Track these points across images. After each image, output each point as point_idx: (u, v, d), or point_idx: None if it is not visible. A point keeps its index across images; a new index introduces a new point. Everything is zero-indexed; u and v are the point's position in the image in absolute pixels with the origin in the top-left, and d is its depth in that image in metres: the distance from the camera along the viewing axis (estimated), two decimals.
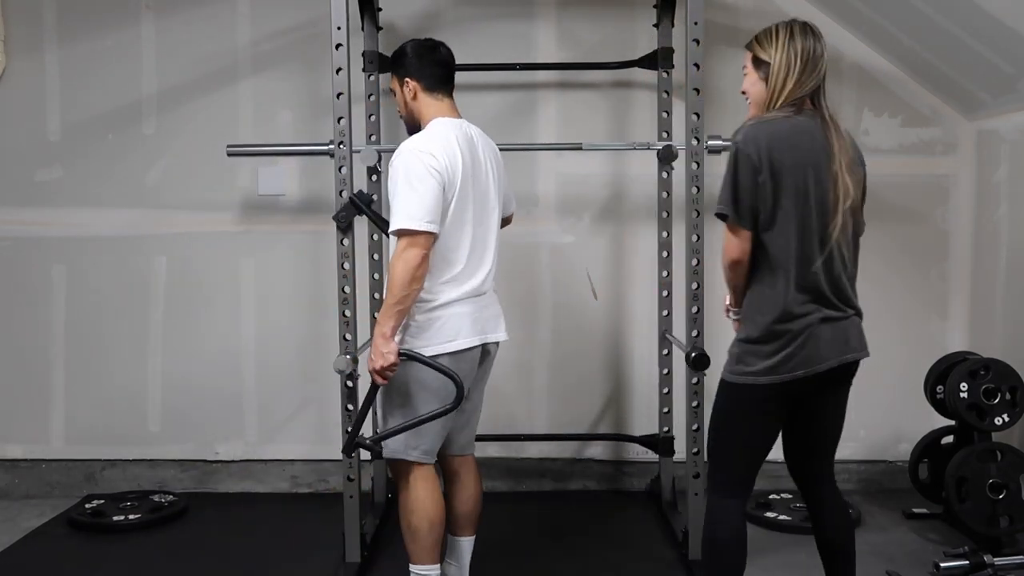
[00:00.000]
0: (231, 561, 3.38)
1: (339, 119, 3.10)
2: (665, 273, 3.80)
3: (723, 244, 2.41)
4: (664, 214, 3.80)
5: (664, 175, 3.78)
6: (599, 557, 3.36)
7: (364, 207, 3.00)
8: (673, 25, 3.76)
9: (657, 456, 3.87)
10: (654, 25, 3.82)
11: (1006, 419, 3.31)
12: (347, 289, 3.15)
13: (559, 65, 4.00)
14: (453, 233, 2.59)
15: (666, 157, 3.55)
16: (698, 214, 3.12)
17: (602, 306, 4.09)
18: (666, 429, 3.83)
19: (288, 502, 4.02)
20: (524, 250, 4.04)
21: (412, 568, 2.71)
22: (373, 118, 3.80)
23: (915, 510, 3.63)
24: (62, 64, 4.02)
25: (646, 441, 3.91)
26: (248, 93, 4.02)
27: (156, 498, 3.91)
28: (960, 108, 3.95)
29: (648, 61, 3.83)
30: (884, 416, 4.07)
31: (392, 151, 2.65)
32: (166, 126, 4.04)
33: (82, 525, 3.68)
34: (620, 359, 4.11)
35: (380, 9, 3.83)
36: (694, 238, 3.13)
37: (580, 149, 3.81)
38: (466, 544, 2.86)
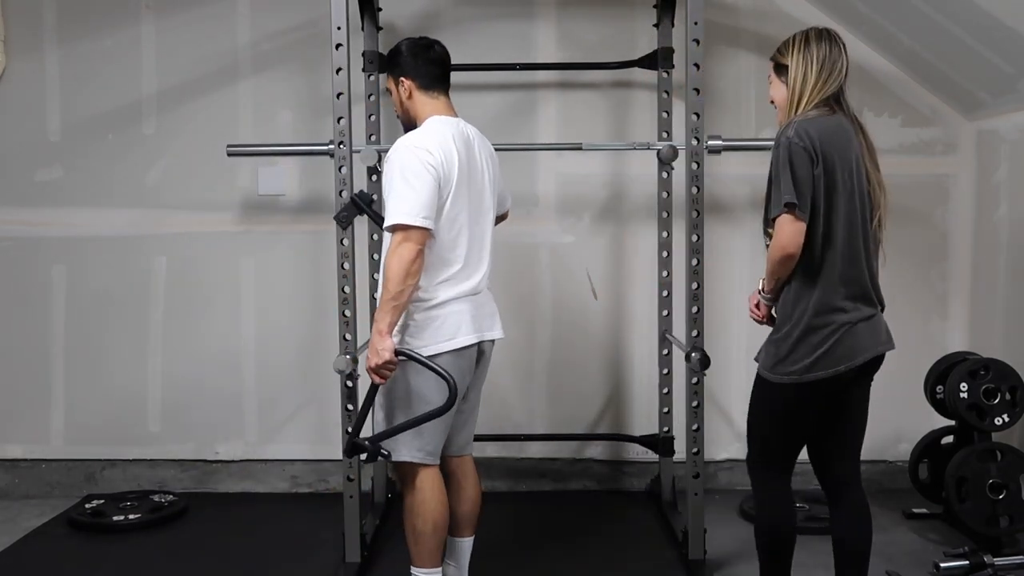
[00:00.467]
0: (231, 561, 3.38)
1: (339, 119, 3.10)
2: (665, 273, 3.80)
3: (777, 238, 2.38)
4: (664, 214, 3.80)
5: (664, 175, 3.78)
6: (599, 557, 3.36)
7: (365, 207, 3.00)
8: (673, 25, 3.76)
9: (657, 456, 3.87)
10: (654, 25, 3.82)
11: (1006, 419, 3.31)
12: (347, 289, 3.15)
13: (559, 65, 4.00)
14: (449, 232, 2.59)
15: (666, 157, 3.55)
16: (698, 214, 3.12)
17: (602, 306, 4.09)
18: (666, 429, 3.83)
19: (288, 502, 4.02)
20: (524, 250, 4.04)
21: (413, 571, 2.70)
22: (373, 118, 3.80)
23: (915, 510, 3.64)
24: (62, 64, 4.02)
25: (646, 441, 3.91)
26: (248, 93, 4.02)
27: (156, 498, 3.90)
28: (960, 108, 3.95)
29: (648, 61, 3.83)
30: (884, 416, 4.02)
31: None
32: (166, 126, 4.04)
33: (82, 525, 3.68)
34: (620, 359, 4.11)
35: (380, 9, 3.83)
36: (694, 238, 3.13)
37: (580, 149, 3.81)
38: (465, 545, 2.86)
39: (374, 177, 3.72)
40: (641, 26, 3.95)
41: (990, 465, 3.27)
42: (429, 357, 2.57)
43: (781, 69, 2.53)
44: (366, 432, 2.70)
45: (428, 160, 2.52)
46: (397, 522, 2.76)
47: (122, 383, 4.08)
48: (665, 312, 3.81)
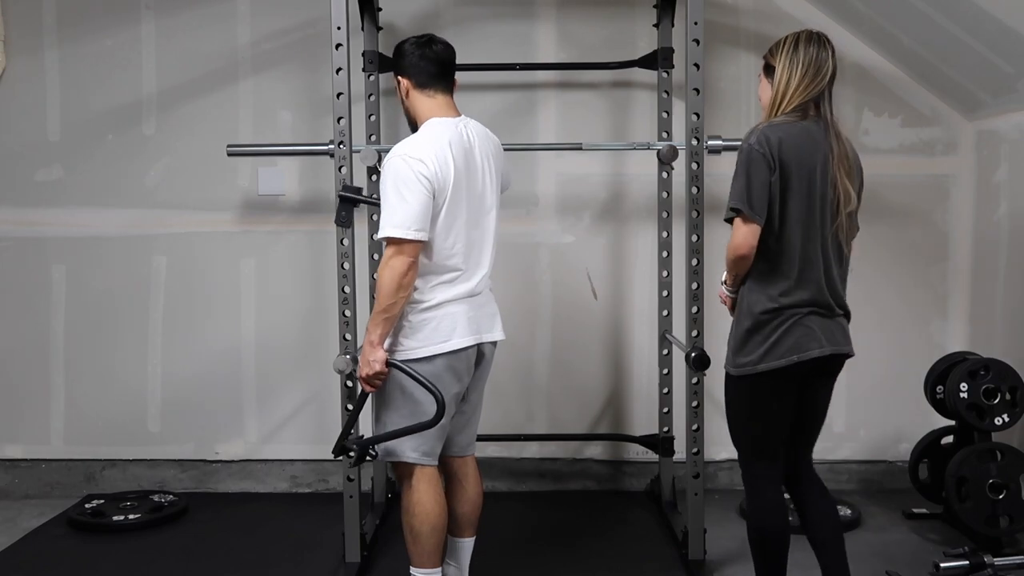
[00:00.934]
0: (231, 561, 3.38)
1: (339, 119, 3.10)
2: (665, 273, 3.80)
3: (731, 239, 2.48)
4: (664, 214, 3.80)
5: (664, 175, 3.78)
6: (599, 557, 3.36)
7: (356, 196, 3.01)
8: (673, 25, 3.76)
9: (657, 456, 3.87)
10: (654, 25, 3.82)
11: (1006, 419, 3.31)
12: (347, 289, 3.15)
13: (559, 65, 4.00)
14: (447, 237, 2.57)
15: (666, 157, 3.55)
16: (698, 214, 3.12)
17: (602, 306, 4.09)
18: (666, 429, 3.83)
19: (288, 502, 4.02)
20: (524, 250, 4.04)
21: (413, 571, 2.70)
22: (373, 118, 3.80)
23: (915, 510, 3.64)
24: (62, 64, 4.02)
25: (646, 441, 3.91)
26: (248, 93, 4.02)
27: (156, 498, 3.91)
28: (960, 108, 3.95)
29: (648, 61, 3.83)
30: (884, 416, 4.07)
31: None
32: (166, 126, 4.04)
33: (82, 525, 3.68)
34: (620, 359, 4.11)
35: (380, 9, 3.83)
36: (694, 238, 3.13)
37: (580, 149, 3.81)
38: (466, 545, 2.86)
39: (374, 177, 3.72)
40: (641, 26, 3.95)
41: (990, 465, 3.27)
42: (424, 358, 2.57)
43: (769, 70, 2.58)
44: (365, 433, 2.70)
45: (421, 171, 2.49)
46: (397, 522, 2.76)
47: (122, 383, 4.08)
48: (665, 312, 3.81)
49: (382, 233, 2.50)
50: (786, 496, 2.72)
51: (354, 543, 3.21)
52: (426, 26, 3.88)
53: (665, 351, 3.84)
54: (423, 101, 2.68)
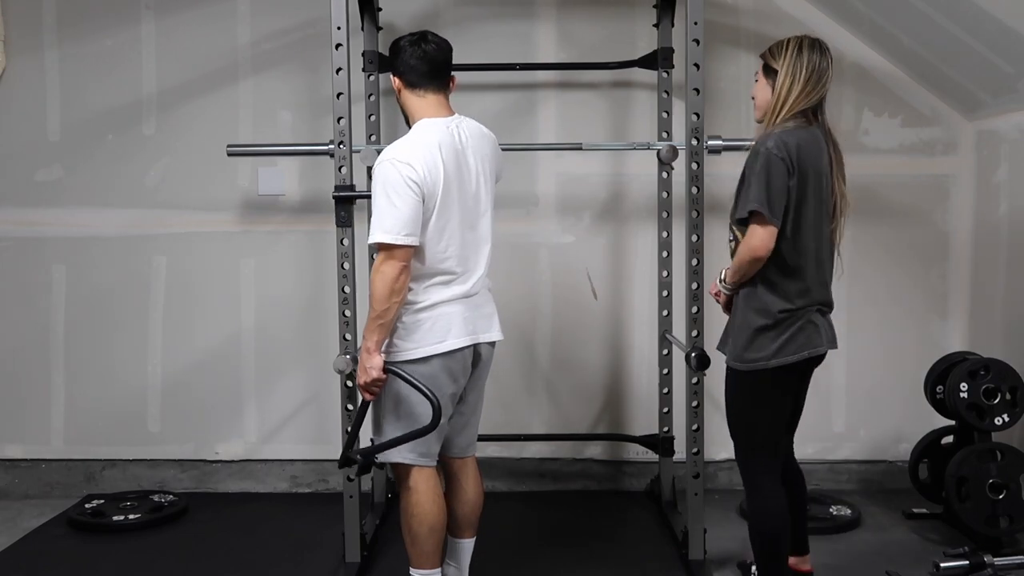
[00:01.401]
0: (231, 561, 3.38)
1: (339, 119, 3.10)
2: (665, 273, 3.80)
3: (748, 241, 2.53)
4: (664, 214, 3.80)
5: (664, 175, 3.78)
6: (599, 557, 3.36)
7: (351, 194, 3.01)
8: (673, 25, 3.76)
9: (657, 456, 3.87)
10: (654, 25, 3.82)
11: (1006, 419, 3.31)
12: (347, 289, 3.15)
13: (559, 65, 4.00)
14: (439, 241, 2.56)
15: (666, 157, 3.55)
16: (698, 214, 3.12)
17: (602, 306, 4.09)
18: (666, 429, 3.83)
19: (288, 502, 4.02)
20: (524, 250, 4.04)
21: (412, 572, 2.70)
22: (373, 118, 3.80)
23: (915, 510, 3.63)
24: (62, 64, 4.02)
25: (646, 441, 3.91)
26: (248, 93, 4.02)
27: (156, 498, 3.91)
28: (960, 108, 3.95)
29: (648, 61, 3.83)
30: (884, 416, 4.07)
31: None
32: (166, 126, 4.04)
33: (82, 525, 3.68)
34: (620, 359, 4.11)
35: (380, 9, 3.83)
36: (694, 238, 3.13)
37: (580, 149, 3.81)
38: (466, 546, 2.85)
39: None
40: (641, 26, 3.95)
41: (990, 465, 3.27)
42: (420, 359, 2.56)
43: (770, 72, 2.63)
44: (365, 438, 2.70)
45: (410, 176, 2.48)
46: (397, 522, 2.76)
47: (122, 383, 4.08)
48: (665, 312, 3.81)
49: (372, 239, 2.49)
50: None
51: (354, 543, 3.21)
52: (426, 26, 3.85)
53: (665, 351, 3.84)
54: (414, 101, 2.66)
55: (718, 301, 2.81)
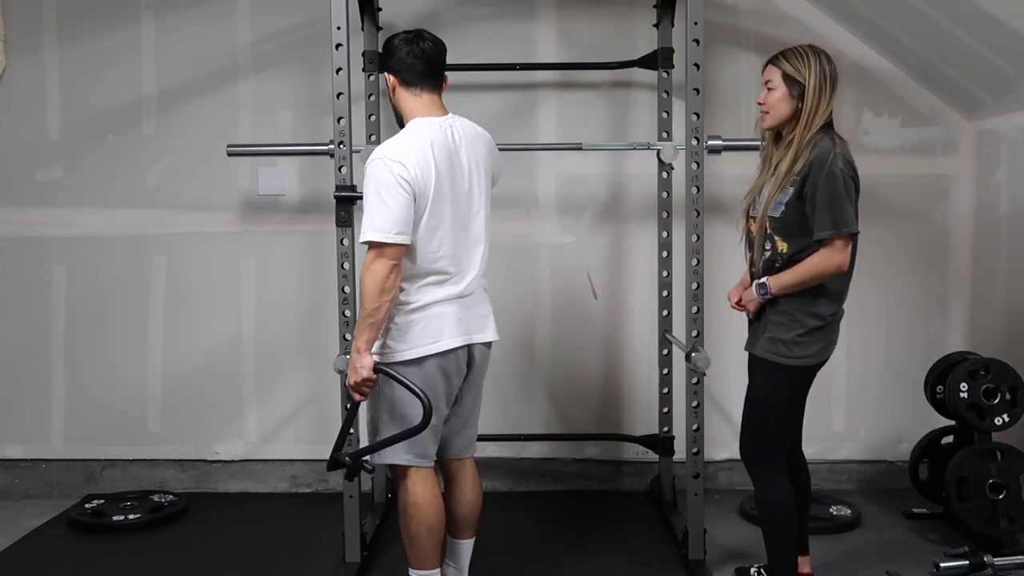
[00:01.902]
0: (231, 561, 3.38)
1: (339, 119, 3.10)
2: (665, 273, 3.80)
3: (836, 258, 2.60)
4: (664, 214, 3.80)
5: (664, 175, 3.78)
6: (599, 557, 3.36)
7: (352, 195, 3.00)
8: (673, 25, 3.76)
9: (657, 456, 3.87)
10: (654, 25, 3.82)
11: (1006, 419, 3.31)
12: (347, 289, 3.15)
13: (559, 65, 4.00)
14: (431, 240, 2.55)
15: (666, 157, 3.55)
16: (698, 214, 3.12)
17: (602, 306, 4.09)
18: (666, 429, 3.83)
19: (288, 502, 4.02)
20: (524, 250, 4.04)
21: (411, 573, 2.70)
22: (373, 118, 3.80)
23: (915, 510, 3.63)
24: (62, 64, 4.02)
25: (646, 441, 3.91)
26: (248, 93, 4.02)
27: (156, 498, 3.91)
28: (960, 108, 3.95)
29: (648, 61, 3.83)
30: (884, 416, 4.07)
31: None
32: (166, 126, 4.04)
33: (82, 525, 3.68)
34: (620, 359, 4.11)
35: (380, 9, 3.83)
36: (694, 238, 3.12)
37: (580, 149, 3.81)
38: (466, 546, 2.85)
39: None
40: (641, 26, 3.95)
41: (990, 465, 3.27)
42: (413, 360, 2.55)
43: (793, 83, 2.68)
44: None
45: (401, 174, 2.47)
46: (397, 522, 2.76)
47: (122, 383, 4.08)
48: (665, 312, 3.81)
49: (363, 237, 2.48)
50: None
51: (354, 543, 3.22)
52: (425, 26, 3.83)
53: (665, 351, 3.84)
54: (409, 99, 2.65)
55: (746, 310, 2.83)
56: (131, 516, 3.72)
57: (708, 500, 3.43)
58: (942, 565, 2.91)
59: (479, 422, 2.87)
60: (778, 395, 2.74)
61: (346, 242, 3.14)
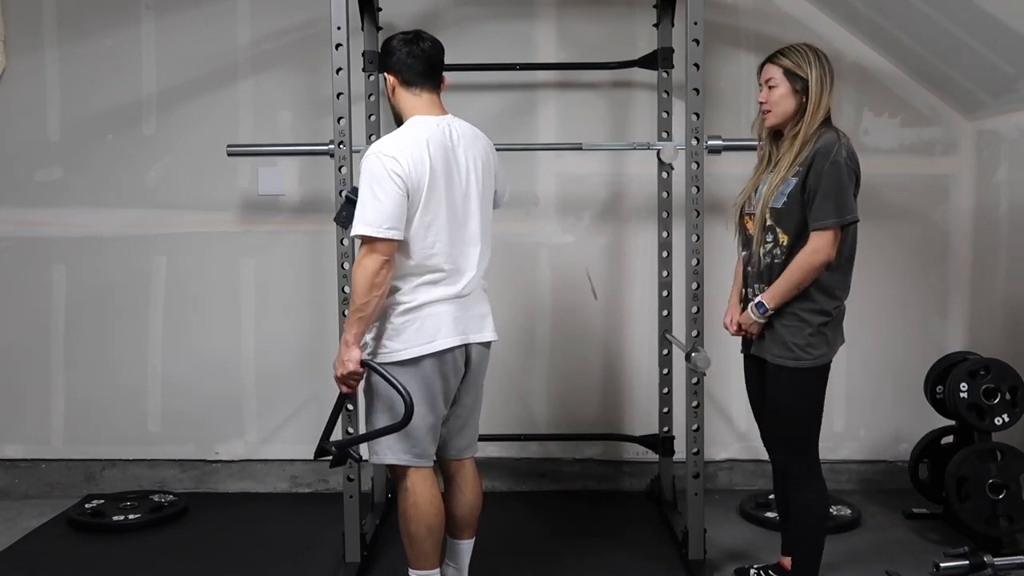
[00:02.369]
0: (231, 561, 3.38)
1: (339, 119, 3.10)
2: (665, 273, 3.80)
3: (825, 249, 2.61)
4: (664, 214, 3.80)
5: (664, 175, 3.78)
6: (599, 557, 3.36)
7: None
8: (673, 25, 3.76)
9: (657, 456, 3.87)
10: (654, 25, 3.82)
11: (1006, 419, 3.31)
12: (347, 289, 3.15)
13: (559, 65, 4.00)
14: (425, 237, 2.54)
15: (666, 157, 3.54)
16: (698, 214, 3.12)
17: (602, 306, 4.09)
18: (666, 429, 3.83)
19: (288, 502, 4.02)
20: (524, 250, 4.04)
21: (411, 573, 2.69)
22: (373, 118, 3.80)
23: (915, 510, 3.63)
24: (62, 64, 4.02)
25: (646, 441, 3.91)
26: (248, 93, 4.02)
27: (156, 498, 3.91)
28: (960, 108, 3.95)
29: (648, 61, 3.83)
30: (884, 416, 4.07)
31: None
32: (166, 126, 4.04)
33: (82, 525, 3.68)
34: (620, 359, 4.11)
35: (380, 9, 3.83)
36: (694, 238, 3.12)
37: (580, 149, 3.81)
38: (465, 547, 2.84)
39: None
40: (641, 26, 3.95)
41: (990, 465, 3.27)
42: (410, 360, 2.55)
43: (796, 79, 2.70)
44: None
45: (394, 169, 2.47)
46: (397, 522, 2.76)
47: (122, 383, 4.09)
48: (665, 312, 3.81)
49: (355, 231, 2.49)
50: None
51: (354, 543, 3.22)
52: (426, 26, 3.86)
53: (665, 351, 3.84)
54: (408, 99, 2.65)
55: (749, 333, 2.81)
56: (131, 516, 3.72)
57: (708, 500, 3.43)
58: (942, 565, 2.91)
59: (479, 422, 2.87)
60: (804, 398, 2.73)
61: (346, 242, 3.14)
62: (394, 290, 2.57)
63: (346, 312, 3.13)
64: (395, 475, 2.69)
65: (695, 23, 3.06)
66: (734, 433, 4.07)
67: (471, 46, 3.85)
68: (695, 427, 3.17)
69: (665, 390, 3.83)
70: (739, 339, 2.90)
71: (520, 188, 3.98)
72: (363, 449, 2.75)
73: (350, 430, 3.12)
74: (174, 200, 4.04)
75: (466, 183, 2.63)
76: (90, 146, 4.04)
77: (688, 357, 3.12)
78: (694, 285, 3.13)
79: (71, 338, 4.08)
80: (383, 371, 2.52)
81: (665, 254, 3.80)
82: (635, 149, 3.75)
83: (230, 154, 3.57)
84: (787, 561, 2.92)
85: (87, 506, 3.83)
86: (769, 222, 2.71)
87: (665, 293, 3.80)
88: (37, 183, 4.05)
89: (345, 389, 2.62)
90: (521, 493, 4.08)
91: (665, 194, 3.79)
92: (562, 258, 4.07)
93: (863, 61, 3.97)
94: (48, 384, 4.09)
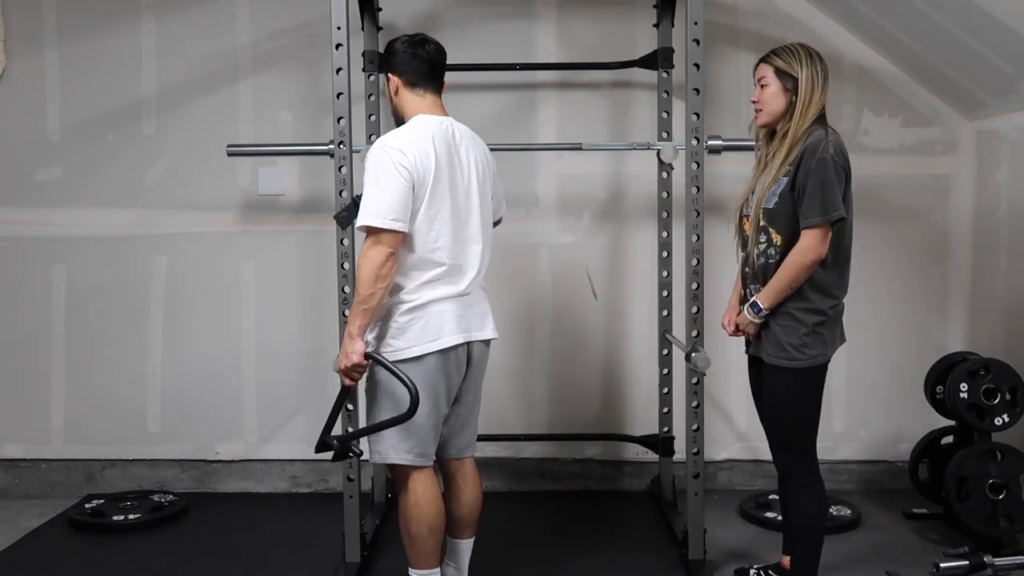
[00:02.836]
0: (231, 561, 3.38)
1: (339, 119, 3.10)
2: (665, 273, 3.80)
3: (815, 248, 2.60)
4: (664, 214, 3.80)
5: (664, 175, 3.78)
6: (599, 557, 3.36)
7: None
8: (673, 25, 3.76)
9: (657, 456, 3.87)
10: (654, 25, 3.82)
11: (1006, 419, 3.31)
12: (347, 289, 3.15)
13: (559, 65, 4.00)
14: (429, 230, 2.56)
15: (666, 157, 3.55)
16: (698, 214, 3.12)
17: (602, 306, 4.09)
18: (666, 429, 3.83)
19: (288, 502, 4.02)
20: (524, 250, 4.04)
21: (411, 572, 2.70)
22: (373, 118, 3.80)
23: (915, 510, 3.63)
24: (62, 64, 4.02)
25: (646, 441, 3.91)
26: (248, 93, 4.02)
27: (156, 498, 3.91)
28: (960, 108, 3.95)
29: (648, 61, 3.83)
30: (884, 416, 4.07)
31: None
32: (166, 126, 4.04)
33: (82, 525, 3.68)
34: (620, 359, 4.11)
35: (380, 9, 3.83)
36: (694, 238, 3.12)
37: (580, 149, 3.81)
38: (465, 546, 2.85)
39: None
40: (641, 26, 3.95)
41: (990, 465, 3.27)
42: (415, 358, 2.56)
43: (787, 78, 2.70)
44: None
45: (400, 161, 2.49)
46: (397, 522, 2.76)
47: (122, 383, 4.08)
48: (665, 312, 3.81)
49: (360, 223, 2.49)
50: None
51: (354, 543, 3.22)
52: (426, 26, 3.88)
53: (665, 351, 3.84)
54: (412, 100, 2.68)
55: (746, 334, 2.82)
56: (131, 516, 3.72)
57: (708, 500, 3.43)
58: (942, 565, 2.91)
59: (479, 422, 2.87)
60: (800, 399, 2.72)
61: (346, 242, 3.14)
62: (398, 288, 2.58)
63: (346, 312, 3.14)
64: (396, 475, 2.69)
65: (695, 23, 3.06)
66: (734, 433, 4.07)
67: (471, 46, 3.85)
68: (695, 427, 3.17)
69: (665, 390, 3.83)
70: (740, 340, 2.90)
71: (520, 188, 3.98)
72: (363, 444, 2.75)
73: (350, 430, 3.12)
74: (174, 200, 4.04)
75: (468, 182, 2.65)
76: (90, 146, 4.04)
77: (688, 357, 3.12)
78: (694, 285, 3.13)
79: (71, 338, 4.08)
80: (388, 363, 2.53)
81: (665, 254, 3.80)
82: (635, 149, 3.75)
83: (230, 154, 3.57)
84: (787, 560, 2.92)
85: (87, 506, 3.83)
86: (762, 222, 2.71)
87: (665, 293, 3.80)
88: (37, 183, 4.05)
89: (348, 382, 2.61)
90: (521, 493, 4.08)
91: (665, 194, 3.79)
92: (562, 258, 4.07)
93: (863, 61, 3.97)
94: (48, 384, 4.09)
